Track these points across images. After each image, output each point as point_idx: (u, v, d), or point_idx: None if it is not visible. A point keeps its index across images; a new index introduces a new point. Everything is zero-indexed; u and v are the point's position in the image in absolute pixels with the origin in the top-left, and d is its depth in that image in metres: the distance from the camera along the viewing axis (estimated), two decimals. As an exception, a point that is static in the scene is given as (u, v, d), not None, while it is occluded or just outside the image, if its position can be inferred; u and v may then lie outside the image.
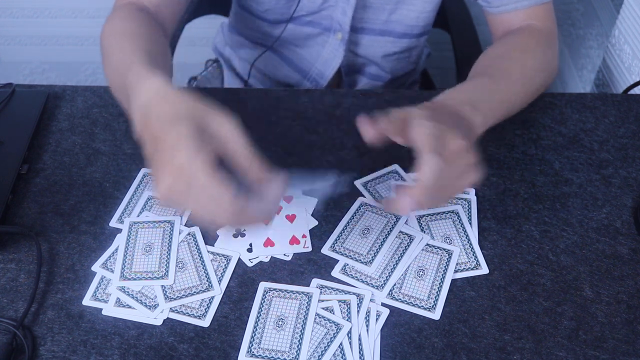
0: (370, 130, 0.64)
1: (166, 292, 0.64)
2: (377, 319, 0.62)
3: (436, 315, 0.63)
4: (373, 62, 1.05)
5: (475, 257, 0.68)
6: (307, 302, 0.63)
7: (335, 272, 0.66)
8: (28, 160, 0.77)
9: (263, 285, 0.65)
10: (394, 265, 0.66)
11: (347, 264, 0.67)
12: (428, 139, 0.59)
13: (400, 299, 0.64)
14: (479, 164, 0.62)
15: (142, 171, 0.76)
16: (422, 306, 0.64)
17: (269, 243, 0.68)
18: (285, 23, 0.98)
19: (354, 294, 0.64)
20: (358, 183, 0.75)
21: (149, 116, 0.57)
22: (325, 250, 0.68)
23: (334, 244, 0.68)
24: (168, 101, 0.57)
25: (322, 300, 0.63)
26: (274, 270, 0.67)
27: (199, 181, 0.53)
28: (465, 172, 0.61)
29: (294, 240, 0.69)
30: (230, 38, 1.12)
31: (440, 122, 0.61)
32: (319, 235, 0.70)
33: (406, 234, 0.69)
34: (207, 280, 0.65)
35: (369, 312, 0.63)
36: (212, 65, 1.17)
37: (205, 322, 0.62)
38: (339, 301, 0.63)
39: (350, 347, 0.60)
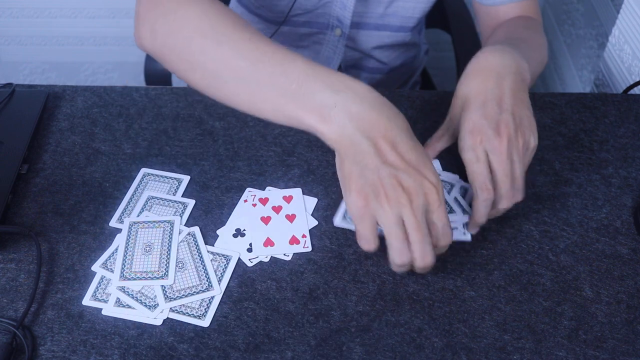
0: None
1: (166, 292, 0.64)
2: None
3: (467, 236, 0.68)
4: (370, 55, 1.04)
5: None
6: None
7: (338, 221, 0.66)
8: (28, 160, 0.77)
9: None
10: None
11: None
12: (474, 170, 0.65)
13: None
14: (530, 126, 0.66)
15: (142, 171, 0.76)
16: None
17: (268, 243, 0.68)
18: (278, 25, 0.97)
19: None
20: None
21: (389, 129, 0.58)
22: (339, 221, 0.67)
23: (345, 213, 0.67)
24: (400, 118, 0.59)
25: None
26: (274, 270, 0.67)
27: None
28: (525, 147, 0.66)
29: (293, 240, 0.69)
30: None
31: (483, 112, 0.65)
32: (318, 235, 0.70)
33: None
34: (207, 280, 0.65)
35: None
36: None
37: (205, 322, 0.62)
38: None
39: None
